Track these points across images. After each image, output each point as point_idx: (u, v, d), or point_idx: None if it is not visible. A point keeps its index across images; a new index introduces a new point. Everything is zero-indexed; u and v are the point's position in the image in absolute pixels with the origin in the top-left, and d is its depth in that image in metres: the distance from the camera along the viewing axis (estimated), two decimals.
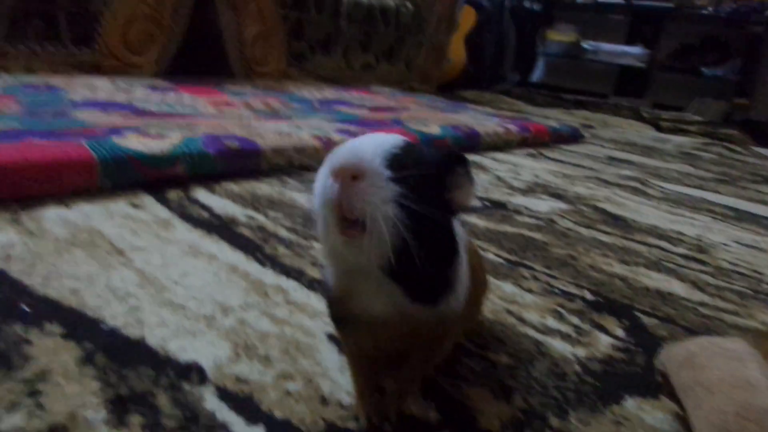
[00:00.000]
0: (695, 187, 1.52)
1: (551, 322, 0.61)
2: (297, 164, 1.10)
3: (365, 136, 0.35)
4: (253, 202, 0.88)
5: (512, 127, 1.76)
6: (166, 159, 0.89)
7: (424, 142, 1.39)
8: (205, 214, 0.80)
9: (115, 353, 0.45)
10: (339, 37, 2.43)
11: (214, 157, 0.95)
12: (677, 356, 0.45)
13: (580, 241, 0.91)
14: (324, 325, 0.54)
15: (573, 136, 2.07)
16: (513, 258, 0.80)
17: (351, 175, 0.32)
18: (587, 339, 0.59)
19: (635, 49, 4.06)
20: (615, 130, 2.63)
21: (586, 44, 4.20)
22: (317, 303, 0.58)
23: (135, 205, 0.80)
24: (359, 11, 2.46)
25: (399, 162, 0.33)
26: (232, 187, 0.95)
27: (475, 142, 1.58)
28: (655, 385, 0.50)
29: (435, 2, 2.83)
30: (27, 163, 0.75)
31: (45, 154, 0.78)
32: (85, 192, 0.81)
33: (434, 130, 1.49)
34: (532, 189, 1.23)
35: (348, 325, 0.39)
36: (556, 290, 0.70)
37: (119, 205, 0.79)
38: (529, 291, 0.69)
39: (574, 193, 1.25)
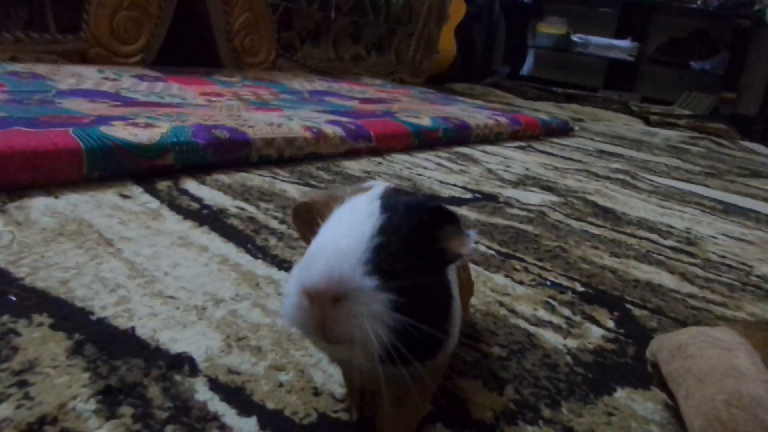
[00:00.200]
0: (684, 180, 1.54)
1: (543, 314, 0.62)
2: (287, 155, 1.10)
3: (337, 226, 0.30)
4: (244, 193, 0.87)
5: (503, 120, 1.76)
6: (154, 149, 0.88)
7: (416, 134, 1.39)
8: (195, 205, 0.79)
9: (104, 344, 0.45)
10: (328, 28, 2.41)
11: (203, 147, 0.94)
12: (668, 346, 0.45)
13: (570, 233, 0.91)
14: None
15: (563, 130, 2.08)
16: (504, 250, 0.80)
17: (331, 299, 0.27)
18: (578, 330, 0.59)
19: (624, 43, 4.07)
20: (605, 124, 2.65)
21: (576, 37, 4.20)
22: None
23: (124, 196, 0.79)
24: (349, 2, 2.44)
25: (384, 252, 0.29)
26: (223, 178, 0.94)
27: (465, 134, 1.58)
28: (645, 375, 0.51)
29: None
30: (12, 152, 0.74)
31: (30, 142, 0.76)
32: (73, 182, 0.80)
33: (425, 122, 1.49)
34: (523, 181, 1.23)
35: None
36: (548, 282, 0.71)
37: (108, 196, 0.78)
38: (521, 283, 0.69)
39: (565, 185, 1.25)
